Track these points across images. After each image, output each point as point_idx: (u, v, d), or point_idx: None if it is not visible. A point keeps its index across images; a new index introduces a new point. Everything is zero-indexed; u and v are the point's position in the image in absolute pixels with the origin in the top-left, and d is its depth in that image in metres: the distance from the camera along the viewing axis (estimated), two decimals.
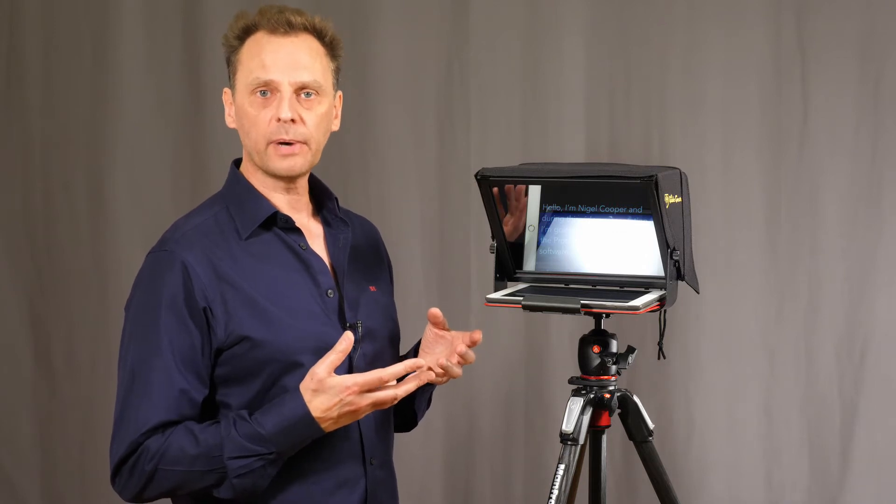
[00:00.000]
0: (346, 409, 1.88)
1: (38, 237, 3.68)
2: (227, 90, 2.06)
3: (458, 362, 2.03)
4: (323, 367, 1.87)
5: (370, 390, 1.88)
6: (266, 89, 1.98)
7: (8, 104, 3.67)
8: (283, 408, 1.89)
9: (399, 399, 1.92)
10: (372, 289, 2.11)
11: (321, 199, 2.10)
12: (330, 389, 1.87)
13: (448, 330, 2.08)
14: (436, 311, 2.06)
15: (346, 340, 1.88)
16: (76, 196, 3.66)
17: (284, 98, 1.97)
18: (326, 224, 2.09)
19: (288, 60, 1.99)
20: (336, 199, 2.11)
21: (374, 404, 1.90)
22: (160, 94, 3.61)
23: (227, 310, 1.93)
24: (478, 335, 2.04)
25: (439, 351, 2.07)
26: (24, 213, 3.68)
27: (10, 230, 3.69)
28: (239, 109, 2.01)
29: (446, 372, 2.02)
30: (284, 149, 1.99)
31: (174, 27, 3.60)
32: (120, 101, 3.61)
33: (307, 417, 1.88)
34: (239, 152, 2.09)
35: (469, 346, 2.03)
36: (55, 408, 3.69)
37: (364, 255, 2.13)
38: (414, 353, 2.14)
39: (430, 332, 2.10)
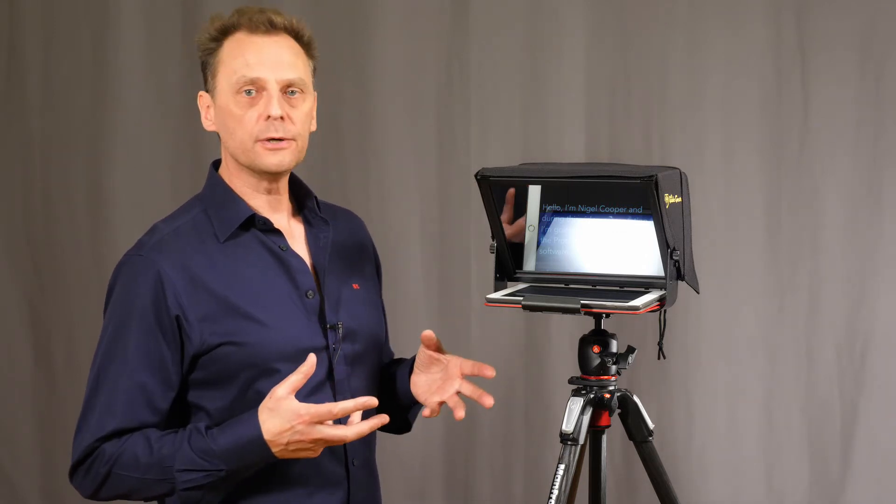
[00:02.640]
0: (297, 437, 1.85)
1: (38, 237, 3.68)
2: (202, 94, 2.03)
3: (460, 394, 2.01)
4: (284, 388, 1.85)
5: (321, 422, 1.85)
6: (252, 88, 1.95)
7: (8, 103, 3.67)
8: (238, 426, 1.88)
9: (349, 441, 1.89)
10: (355, 286, 2.08)
11: (301, 198, 2.08)
12: (284, 413, 1.84)
13: (443, 353, 2.05)
14: (429, 333, 2.02)
15: (308, 364, 1.86)
16: (76, 196, 3.65)
17: (273, 96, 1.95)
18: (307, 223, 2.07)
19: (273, 59, 1.97)
20: (316, 197, 2.09)
21: (325, 440, 1.86)
22: (160, 94, 3.61)
23: (203, 316, 1.91)
24: (489, 371, 2.00)
25: (434, 372, 2.05)
26: (24, 213, 3.68)
27: (10, 230, 3.69)
28: (222, 110, 1.99)
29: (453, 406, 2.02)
30: (273, 144, 1.96)
31: (174, 27, 3.59)
32: (120, 101, 3.61)
33: (259, 440, 1.85)
34: None
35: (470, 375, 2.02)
36: (55, 408, 3.69)
37: (348, 252, 2.10)
38: (409, 371, 2.10)
39: (423, 354, 2.06)
